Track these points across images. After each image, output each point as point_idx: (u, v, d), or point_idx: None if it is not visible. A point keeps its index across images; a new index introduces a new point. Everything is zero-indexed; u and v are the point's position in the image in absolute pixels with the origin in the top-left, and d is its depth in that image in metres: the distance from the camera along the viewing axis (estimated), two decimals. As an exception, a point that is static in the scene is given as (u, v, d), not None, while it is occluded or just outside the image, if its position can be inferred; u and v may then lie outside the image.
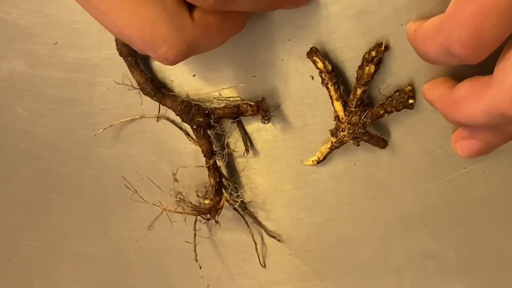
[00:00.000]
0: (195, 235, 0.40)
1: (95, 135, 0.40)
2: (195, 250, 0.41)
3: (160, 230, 0.42)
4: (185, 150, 0.40)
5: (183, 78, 0.37)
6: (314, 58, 0.35)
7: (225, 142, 0.38)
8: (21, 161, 0.42)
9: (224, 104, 0.37)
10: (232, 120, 0.37)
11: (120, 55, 0.36)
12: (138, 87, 0.36)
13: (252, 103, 0.36)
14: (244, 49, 0.36)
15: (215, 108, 0.36)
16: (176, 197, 0.39)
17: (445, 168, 0.38)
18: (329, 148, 0.37)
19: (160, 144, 0.40)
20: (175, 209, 0.38)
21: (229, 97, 0.37)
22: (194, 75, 0.37)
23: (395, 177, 0.39)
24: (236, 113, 0.36)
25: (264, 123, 0.36)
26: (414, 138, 0.37)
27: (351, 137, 0.36)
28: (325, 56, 0.35)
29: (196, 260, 0.41)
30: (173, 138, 0.39)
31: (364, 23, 0.34)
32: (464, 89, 0.29)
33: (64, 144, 0.41)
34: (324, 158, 0.38)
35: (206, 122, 0.36)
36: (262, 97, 0.36)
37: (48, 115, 0.40)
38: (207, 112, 0.36)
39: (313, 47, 0.35)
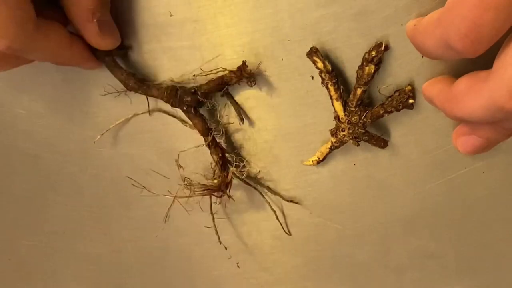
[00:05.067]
0: (213, 218, 0.39)
1: (94, 142, 0.40)
2: (216, 233, 0.40)
3: (160, 230, 0.42)
4: (185, 150, 0.40)
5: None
6: (314, 58, 0.35)
7: (218, 115, 0.38)
8: (21, 161, 0.42)
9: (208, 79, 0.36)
10: (221, 93, 0.37)
11: (98, 59, 0.35)
12: (121, 90, 0.36)
13: (234, 69, 0.35)
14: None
15: (201, 84, 0.36)
16: (184, 182, 0.38)
17: (445, 168, 0.38)
18: (329, 148, 0.37)
19: (160, 144, 0.40)
20: (188, 193, 0.37)
21: (211, 70, 0.36)
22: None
23: (395, 177, 0.39)
24: (221, 84, 0.36)
25: (250, 85, 0.36)
26: (414, 138, 0.37)
27: (351, 137, 0.36)
28: (325, 56, 0.35)
29: (220, 242, 0.40)
30: (172, 138, 0.39)
31: (364, 23, 0.34)
32: (464, 84, 0.29)
33: (64, 144, 0.41)
34: (324, 158, 0.38)
35: (194, 100, 0.36)
36: (243, 61, 0.36)
37: (48, 115, 0.40)
38: (193, 90, 0.36)
39: (313, 47, 0.35)
